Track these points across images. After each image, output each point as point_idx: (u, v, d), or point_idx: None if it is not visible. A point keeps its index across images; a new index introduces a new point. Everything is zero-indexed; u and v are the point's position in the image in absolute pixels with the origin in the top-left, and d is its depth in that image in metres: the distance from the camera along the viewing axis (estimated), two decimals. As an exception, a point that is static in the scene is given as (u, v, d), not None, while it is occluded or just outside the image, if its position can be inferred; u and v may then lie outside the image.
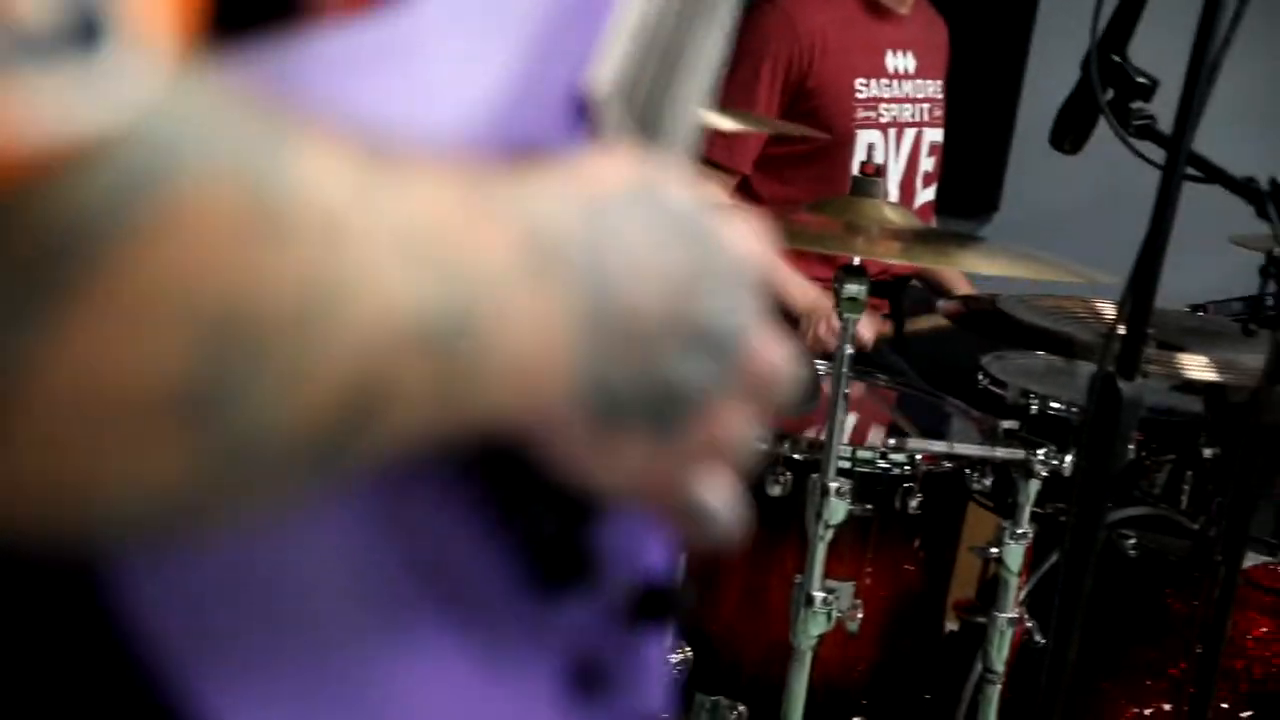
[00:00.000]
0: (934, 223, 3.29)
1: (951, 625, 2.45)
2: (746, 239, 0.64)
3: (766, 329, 0.64)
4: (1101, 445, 1.84)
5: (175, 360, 0.40)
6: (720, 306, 0.61)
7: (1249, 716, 2.17)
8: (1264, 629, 2.20)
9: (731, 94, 2.83)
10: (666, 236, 0.59)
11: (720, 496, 0.65)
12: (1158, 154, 1.91)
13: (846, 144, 2.97)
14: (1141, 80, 1.87)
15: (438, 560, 0.59)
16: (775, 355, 0.64)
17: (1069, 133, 1.94)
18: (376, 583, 0.56)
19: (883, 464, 2.24)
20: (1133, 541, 2.40)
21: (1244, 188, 1.79)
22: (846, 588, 2.19)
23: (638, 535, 0.73)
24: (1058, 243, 2.68)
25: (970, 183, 3.71)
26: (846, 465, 2.18)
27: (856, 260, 2.04)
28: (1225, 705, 2.19)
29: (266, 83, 0.50)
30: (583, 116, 0.66)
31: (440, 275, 0.48)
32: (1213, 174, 1.82)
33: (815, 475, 2.09)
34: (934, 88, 3.16)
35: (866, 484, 2.23)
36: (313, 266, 0.43)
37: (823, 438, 2.11)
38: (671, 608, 0.72)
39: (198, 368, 0.41)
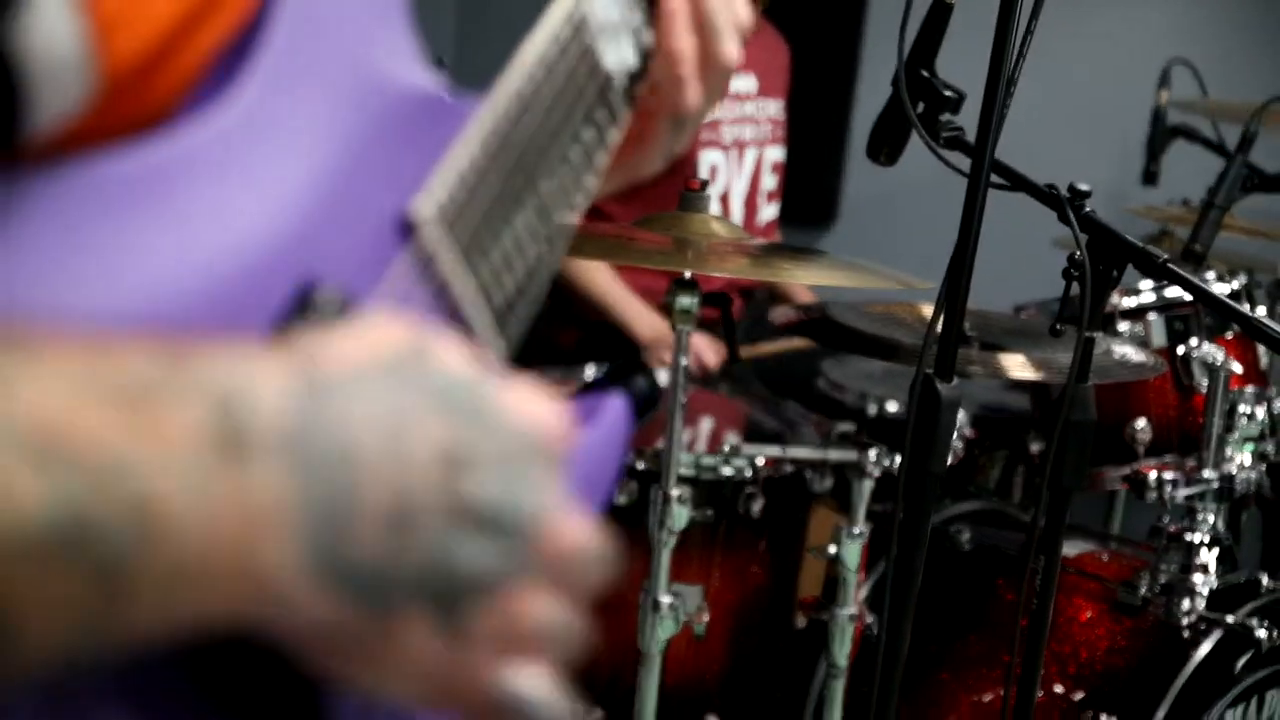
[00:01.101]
0: (778, 238, 3.37)
1: (800, 623, 2.52)
2: (532, 407, 0.59)
3: (565, 504, 0.60)
4: (923, 444, 1.92)
5: None
6: (494, 483, 0.56)
7: (1082, 698, 2.26)
8: (1089, 614, 2.30)
9: None
10: (424, 411, 0.55)
11: (536, 686, 0.60)
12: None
13: (689, 164, 3.04)
14: (949, 93, 1.95)
15: None
16: (576, 532, 0.60)
17: (883, 145, 2.02)
18: None
19: (724, 470, 2.31)
20: (967, 536, 2.49)
21: (1045, 194, 1.88)
22: (694, 591, 2.25)
23: None
24: (897, 248, 2.78)
25: (810, 194, 3.80)
26: (689, 473, 2.24)
27: (688, 274, 2.10)
28: (1060, 689, 2.28)
29: None
30: (404, 239, 0.64)
31: (81, 477, 0.44)
32: (1017, 181, 1.91)
33: (657, 484, 2.16)
34: (775, 107, 3.23)
35: (709, 490, 2.30)
36: None
37: (663, 447, 2.18)
38: None
39: None
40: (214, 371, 0.50)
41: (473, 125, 0.67)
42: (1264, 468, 2.30)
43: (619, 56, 0.77)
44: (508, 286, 0.70)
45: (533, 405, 0.59)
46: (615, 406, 0.79)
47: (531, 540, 0.57)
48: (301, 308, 0.58)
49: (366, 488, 0.52)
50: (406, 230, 0.64)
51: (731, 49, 0.87)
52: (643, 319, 2.86)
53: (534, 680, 0.60)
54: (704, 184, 2.11)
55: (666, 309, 2.07)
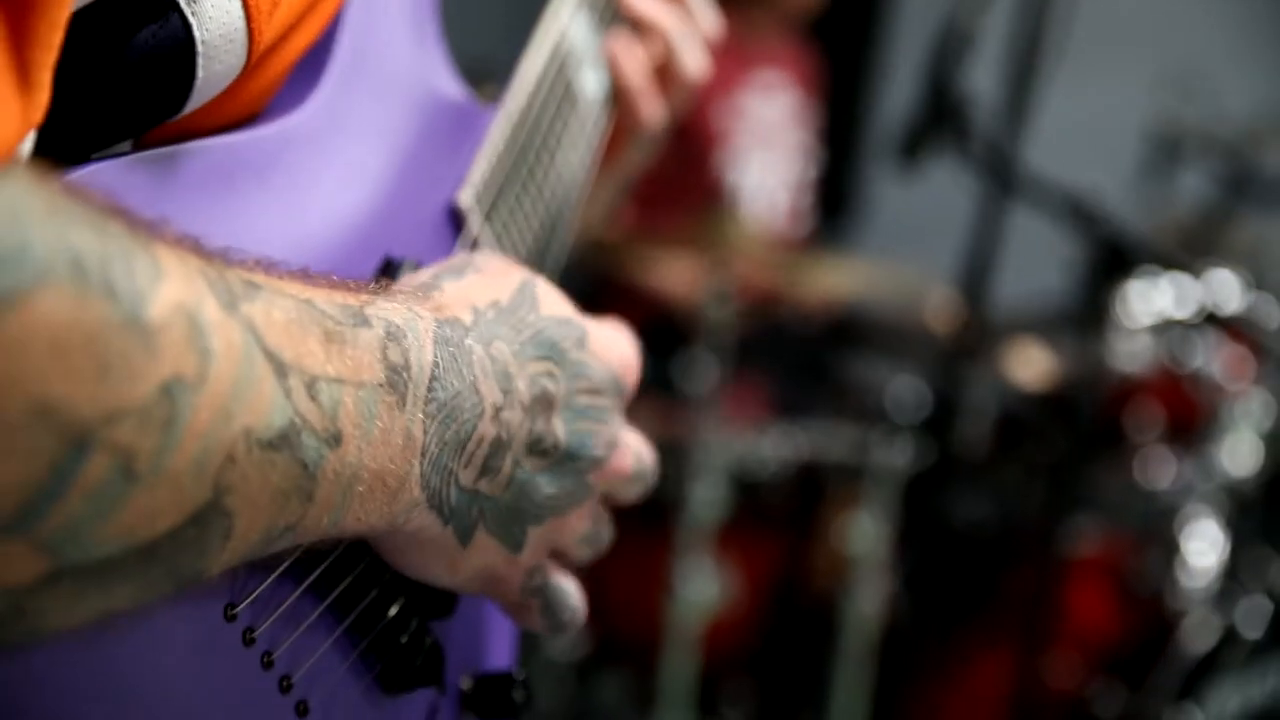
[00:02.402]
0: (804, 237, 3.43)
1: (817, 605, 2.62)
2: (614, 345, 0.67)
3: (625, 434, 0.67)
4: (943, 438, 2.04)
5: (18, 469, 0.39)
6: (573, 424, 0.63)
7: (1091, 679, 2.36)
8: (1097, 602, 2.41)
9: None
10: (528, 353, 0.62)
11: (563, 584, 0.68)
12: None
13: (715, 168, 3.08)
14: (970, 100, 2.06)
15: (294, 668, 0.59)
16: (629, 461, 0.67)
17: (911, 149, 2.12)
18: (231, 691, 0.56)
19: (750, 460, 2.42)
20: (976, 527, 2.60)
21: (1068, 209, 1.97)
22: (718, 575, 2.35)
23: (479, 632, 0.76)
24: (922, 245, 2.87)
25: (832, 190, 3.84)
26: (716, 462, 2.34)
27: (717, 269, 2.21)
28: (1068, 670, 2.39)
29: (121, 196, 0.50)
30: (453, 230, 0.74)
31: (298, 385, 0.48)
32: (1040, 197, 2.00)
33: (687, 470, 2.28)
34: (806, 115, 3.24)
35: (735, 478, 2.40)
36: (176, 372, 0.42)
37: (693, 436, 2.30)
38: (510, 702, 0.73)
39: (35, 475, 0.39)
40: (387, 313, 0.55)
41: (492, 132, 0.77)
42: (1264, 459, 2.40)
43: (594, 80, 0.89)
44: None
45: (615, 344, 0.67)
46: None
47: (594, 471, 0.65)
48: (388, 279, 0.67)
49: (479, 430, 0.59)
50: (456, 218, 0.74)
51: (691, 61, 0.94)
52: (674, 283, 2.88)
53: (562, 579, 0.68)
54: (731, 191, 2.20)
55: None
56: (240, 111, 0.61)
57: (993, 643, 2.43)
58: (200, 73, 0.55)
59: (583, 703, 2.57)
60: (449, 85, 0.80)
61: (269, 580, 0.57)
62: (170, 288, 0.42)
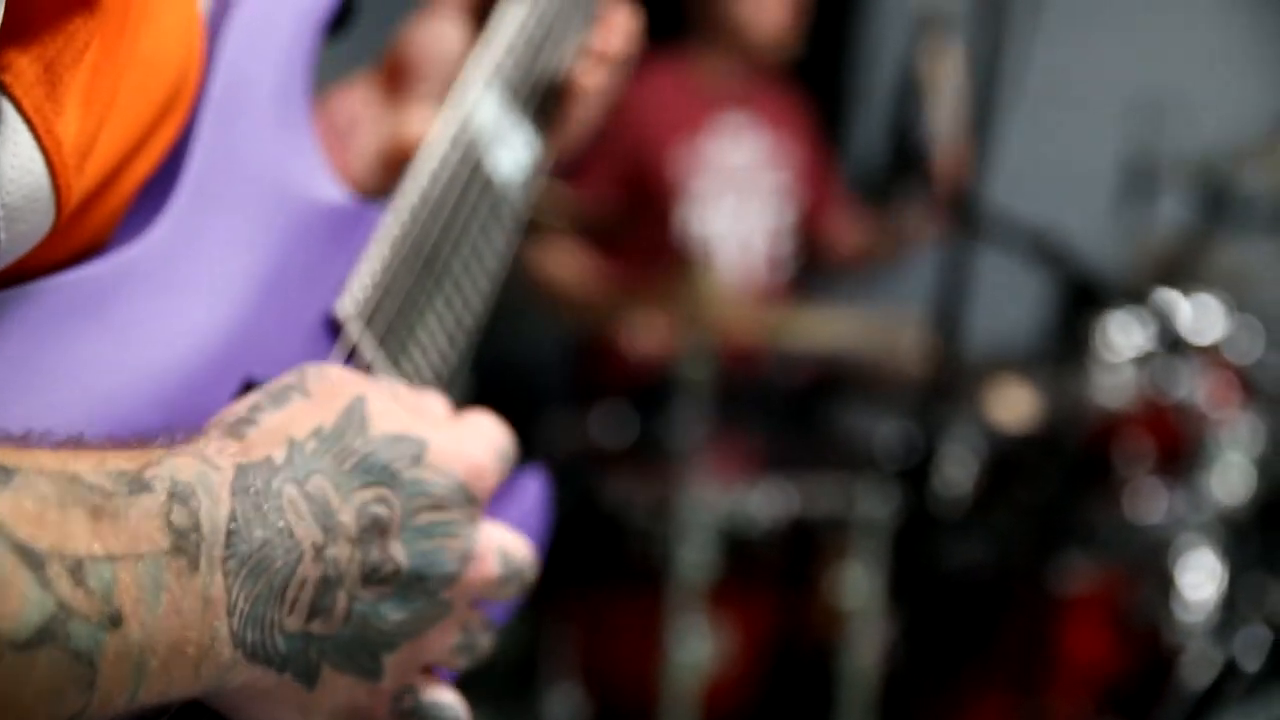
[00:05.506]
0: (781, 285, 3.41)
1: (815, 659, 2.60)
2: (463, 447, 0.64)
3: (486, 539, 0.65)
4: (930, 483, 2.02)
5: None
6: (415, 546, 0.61)
7: (1093, 718, 2.34)
8: (1095, 640, 2.39)
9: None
10: (352, 481, 0.60)
11: (439, 696, 0.66)
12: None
13: (678, 214, 3.06)
14: (931, 144, 2.06)
15: None
16: (493, 566, 0.65)
17: (880, 196, 2.12)
18: None
19: (739, 516, 2.40)
20: (969, 570, 2.58)
21: (1034, 253, 1.97)
22: (712, 635, 2.34)
23: None
24: (895, 289, 2.87)
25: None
26: (705, 520, 2.33)
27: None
28: (1070, 710, 2.37)
29: None
30: (331, 342, 0.70)
31: (58, 572, 0.47)
32: (1005, 239, 2.00)
33: (675, 530, 2.26)
34: (789, 162, 3.18)
35: (725, 535, 2.39)
36: None
37: (680, 494, 2.28)
38: None
39: None
40: (173, 471, 0.53)
41: (379, 233, 0.74)
42: (1256, 484, 2.39)
43: (508, 158, 0.85)
44: (424, 371, 0.77)
45: (462, 447, 0.64)
46: (533, 488, 0.82)
47: (449, 587, 0.63)
48: None
49: (299, 573, 0.57)
50: (333, 328, 0.71)
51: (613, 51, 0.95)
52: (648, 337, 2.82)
53: (436, 693, 0.66)
54: (702, 244, 2.20)
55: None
56: (75, 248, 0.59)
57: (993, 686, 2.41)
58: (2, 235, 0.53)
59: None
60: (325, 188, 0.75)
61: None
62: None
